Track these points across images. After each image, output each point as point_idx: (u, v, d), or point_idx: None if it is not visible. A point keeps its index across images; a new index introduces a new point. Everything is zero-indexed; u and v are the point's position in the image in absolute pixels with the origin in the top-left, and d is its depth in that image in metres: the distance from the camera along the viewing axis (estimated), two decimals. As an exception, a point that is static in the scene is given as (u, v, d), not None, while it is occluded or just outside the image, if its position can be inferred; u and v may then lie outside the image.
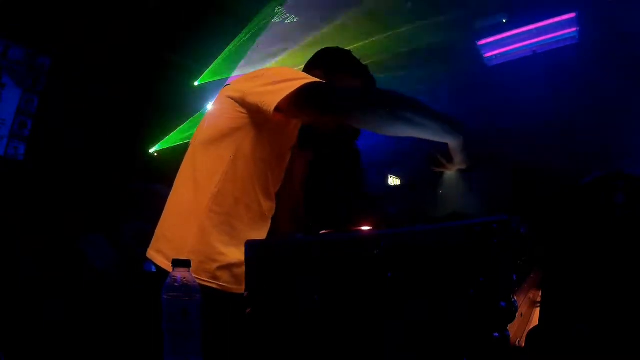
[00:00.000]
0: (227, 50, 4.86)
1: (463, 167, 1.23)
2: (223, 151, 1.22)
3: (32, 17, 3.86)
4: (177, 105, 5.12)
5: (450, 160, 1.23)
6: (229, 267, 1.17)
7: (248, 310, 0.91)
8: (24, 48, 4.03)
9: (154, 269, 1.23)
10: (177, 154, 5.06)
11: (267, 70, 1.28)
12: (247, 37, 4.69)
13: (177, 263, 0.88)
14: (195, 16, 4.36)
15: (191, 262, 1.12)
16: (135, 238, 4.03)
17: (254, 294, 0.90)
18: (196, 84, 5.26)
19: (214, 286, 1.16)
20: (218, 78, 5.18)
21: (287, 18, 4.39)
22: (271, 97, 1.14)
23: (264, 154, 1.25)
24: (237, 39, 4.75)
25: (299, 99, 1.12)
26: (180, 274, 0.87)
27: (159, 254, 1.20)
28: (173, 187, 1.30)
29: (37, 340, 2.95)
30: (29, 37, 4.00)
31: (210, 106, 1.39)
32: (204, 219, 1.18)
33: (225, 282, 1.17)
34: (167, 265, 1.14)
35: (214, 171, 1.21)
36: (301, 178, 1.61)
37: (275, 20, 4.42)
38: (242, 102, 1.22)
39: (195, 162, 1.25)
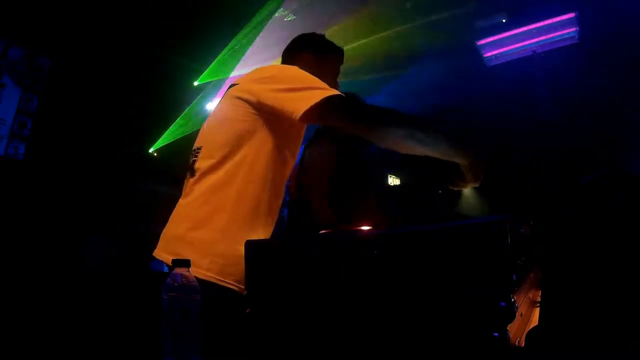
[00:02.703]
0: (226, 50, 4.86)
1: (476, 185, 1.27)
2: (241, 154, 1.22)
3: (32, 17, 3.86)
4: (176, 105, 5.13)
5: (462, 179, 1.27)
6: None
7: (248, 310, 0.91)
8: (24, 48, 4.03)
9: (165, 269, 1.22)
10: (176, 154, 5.07)
11: (278, 70, 1.29)
12: (246, 37, 4.69)
13: (177, 263, 0.88)
14: (195, 16, 4.36)
15: (214, 265, 1.14)
16: (137, 239, 4.03)
17: (254, 294, 0.90)
18: (196, 84, 5.26)
19: (236, 289, 1.16)
20: (218, 78, 5.18)
21: (286, 18, 4.39)
22: (296, 105, 1.16)
23: (279, 155, 1.27)
24: (236, 39, 4.75)
25: (325, 109, 1.16)
26: (180, 274, 0.87)
27: (176, 256, 1.18)
28: (185, 190, 1.29)
29: (37, 340, 2.95)
30: (29, 37, 4.00)
31: (214, 105, 1.36)
32: (228, 222, 1.19)
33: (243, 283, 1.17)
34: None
35: (234, 174, 1.21)
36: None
37: (275, 20, 4.43)
38: (256, 105, 1.22)
39: (211, 165, 1.24)
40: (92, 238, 3.98)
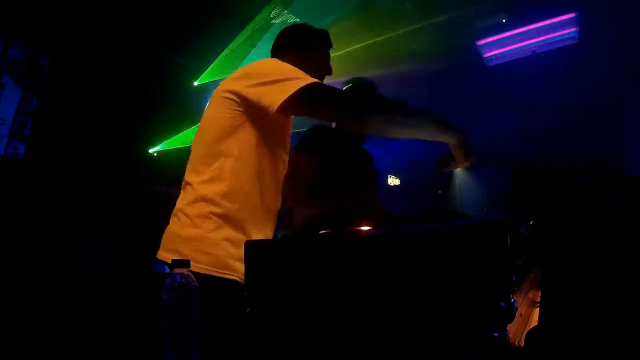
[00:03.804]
0: (226, 50, 4.86)
1: (468, 164, 1.27)
2: (228, 150, 1.25)
3: (32, 17, 3.86)
4: (176, 105, 5.12)
5: (453, 158, 1.27)
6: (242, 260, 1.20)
7: (248, 310, 0.91)
8: (24, 48, 4.03)
9: (167, 270, 1.23)
10: (176, 154, 5.06)
11: (256, 65, 1.31)
12: (246, 37, 4.69)
13: (177, 263, 0.88)
14: (195, 16, 4.36)
15: (212, 258, 1.17)
16: (137, 239, 4.03)
17: (254, 294, 0.90)
18: (196, 84, 5.26)
19: (238, 280, 1.19)
20: (218, 78, 5.18)
21: (286, 18, 4.39)
22: (272, 98, 1.18)
23: (267, 149, 1.29)
24: (236, 39, 4.75)
25: (301, 99, 1.18)
26: (180, 274, 0.87)
27: (174, 253, 1.21)
28: (182, 189, 1.32)
29: (37, 340, 2.95)
30: (29, 37, 4.00)
31: (206, 108, 1.41)
32: (219, 216, 1.22)
33: (242, 274, 1.20)
34: None
35: (222, 170, 1.24)
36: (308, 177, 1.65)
37: (275, 20, 4.43)
38: (237, 101, 1.25)
39: (201, 164, 1.28)
40: (92, 238, 3.98)
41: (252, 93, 1.22)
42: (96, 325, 3.17)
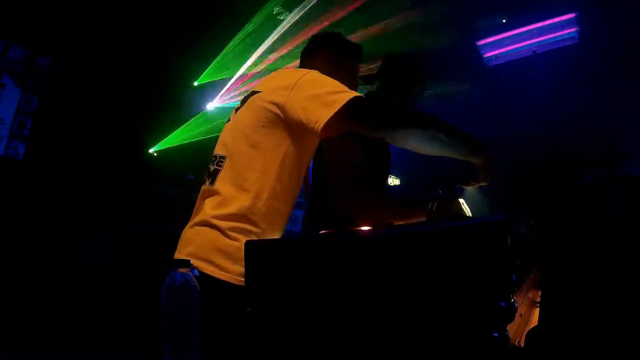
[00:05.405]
0: (226, 50, 4.86)
1: (486, 183, 1.29)
2: (270, 172, 1.24)
3: (32, 17, 3.86)
4: (176, 104, 5.13)
5: (475, 178, 1.30)
6: None
7: (248, 310, 0.91)
8: (24, 48, 4.03)
9: (196, 272, 1.23)
10: (176, 155, 5.04)
11: (300, 77, 1.25)
12: (246, 36, 4.69)
13: (177, 263, 0.88)
14: (195, 16, 4.36)
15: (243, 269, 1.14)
16: (137, 239, 4.03)
17: (254, 294, 0.90)
18: (196, 84, 5.26)
19: None
20: (218, 78, 5.18)
21: (285, 17, 4.39)
22: (319, 113, 1.16)
23: (300, 163, 1.29)
24: (236, 39, 4.75)
25: (345, 115, 1.16)
26: (180, 274, 0.87)
27: (210, 264, 1.18)
28: (209, 196, 1.28)
29: (37, 340, 2.95)
30: (29, 37, 4.00)
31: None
32: (254, 234, 1.22)
33: None
34: (220, 274, 1.16)
35: (261, 190, 1.23)
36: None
37: (274, 19, 4.43)
38: (281, 116, 1.23)
39: (238, 177, 1.25)
40: (92, 238, 3.98)
41: (300, 108, 1.19)
42: (96, 325, 3.17)
